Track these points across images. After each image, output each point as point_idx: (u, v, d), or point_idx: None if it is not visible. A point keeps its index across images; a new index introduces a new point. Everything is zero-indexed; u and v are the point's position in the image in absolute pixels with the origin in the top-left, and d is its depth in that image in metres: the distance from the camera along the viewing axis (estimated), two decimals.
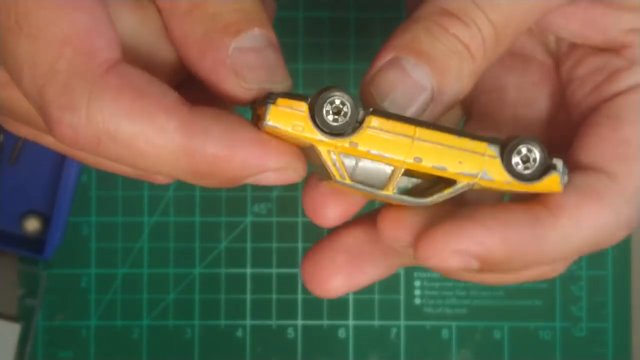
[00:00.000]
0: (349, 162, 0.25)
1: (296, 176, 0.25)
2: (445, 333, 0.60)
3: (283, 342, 0.60)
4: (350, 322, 0.60)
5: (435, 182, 0.26)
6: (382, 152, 0.24)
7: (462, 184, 0.25)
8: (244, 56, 0.24)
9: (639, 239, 0.60)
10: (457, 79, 0.26)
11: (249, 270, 0.60)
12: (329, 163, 0.25)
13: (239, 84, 0.25)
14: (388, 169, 0.25)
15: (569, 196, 0.25)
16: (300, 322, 0.60)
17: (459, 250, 0.24)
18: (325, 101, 0.24)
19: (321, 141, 0.24)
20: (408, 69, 0.25)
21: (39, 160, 0.59)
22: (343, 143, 0.24)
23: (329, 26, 0.59)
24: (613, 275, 0.60)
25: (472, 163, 0.25)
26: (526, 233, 0.25)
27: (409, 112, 0.25)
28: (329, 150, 0.24)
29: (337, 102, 0.24)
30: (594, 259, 0.60)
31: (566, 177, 0.25)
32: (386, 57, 0.26)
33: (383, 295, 0.60)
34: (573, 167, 0.27)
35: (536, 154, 0.25)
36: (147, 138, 0.23)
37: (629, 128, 0.27)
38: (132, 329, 0.59)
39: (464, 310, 0.60)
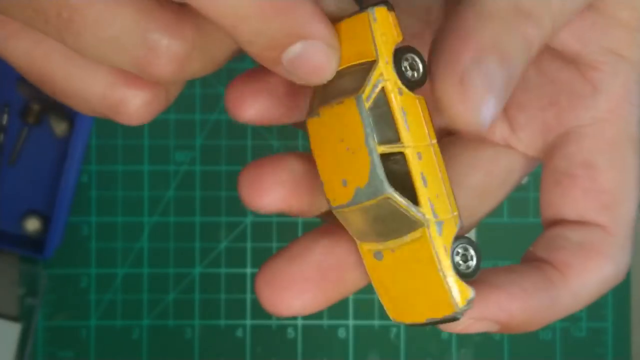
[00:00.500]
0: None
1: (336, 62, 0.24)
2: (445, 333, 0.60)
3: (283, 342, 0.60)
4: (350, 322, 0.60)
5: None
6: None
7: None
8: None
9: (639, 240, 0.60)
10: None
11: (249, 270, 0.60)
12: (370, 83, 0.24)
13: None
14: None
15: (575, 256, 0.26)
16: (300, 322, 0.60)
17: (484, 317, 0.25)
18: (406, 54, 0.24)
19: (385, 66, 0.24)
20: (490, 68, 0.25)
21: (39, 160, 0.59)
22: (399, 84, 0.24)
23: None
24: None
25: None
26: (544, 298, 0.26)
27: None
28: (382, 73, 0.24)
29: (417, 59, 0.24)
30: None
31: None
32: (468, 55, 0.24)
33: None
34: (559, 216, 0.28)
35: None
36: None
37: (604, 176, 0.27)
38: (132, 329, 0.59)
39: None
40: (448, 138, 0.30)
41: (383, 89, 0.24)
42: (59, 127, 0.59)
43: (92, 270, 0.59)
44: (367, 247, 0.26)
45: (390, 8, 0.24)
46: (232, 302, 0.59)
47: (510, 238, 0.60)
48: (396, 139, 0.24)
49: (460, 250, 0.25)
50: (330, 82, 0.24)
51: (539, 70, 0.28)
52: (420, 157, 0.24)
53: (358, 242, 0.26)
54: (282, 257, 0.27)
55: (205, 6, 0.22)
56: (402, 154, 0.24)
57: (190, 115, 0.60)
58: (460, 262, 0.25)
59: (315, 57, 0.23)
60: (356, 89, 0.24)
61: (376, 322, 0.60)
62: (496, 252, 0.60)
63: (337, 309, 0.60)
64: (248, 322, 0.60)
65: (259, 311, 0.60)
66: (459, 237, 0.25)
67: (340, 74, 0.24)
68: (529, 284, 0.26)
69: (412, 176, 0.24)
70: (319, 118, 0.25)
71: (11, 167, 0.59)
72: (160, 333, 0.59)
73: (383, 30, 0.24)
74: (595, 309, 0.60)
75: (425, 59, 0.24)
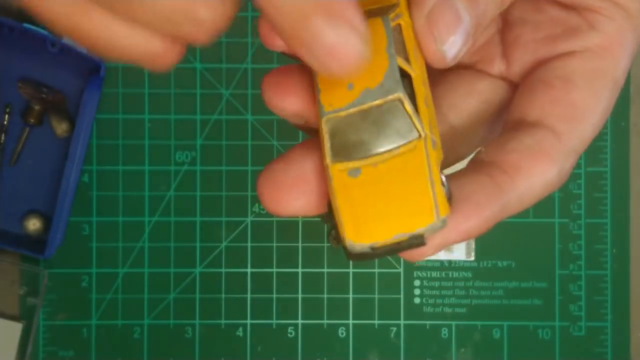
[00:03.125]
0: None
1: (362, 51, 0.22)
2: (444, 332, 0.60)
3: (283, 341, 0.60)
4: (350, 322, 0.60)
5: None
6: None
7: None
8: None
9: (639, 240, 0.60)
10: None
11: (249, 270, 0.60)
12: (394, 13, 0.26)
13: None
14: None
15: (524, 158, 0.27)
16: (300, 321, 0.60)
17: (447, 243, 0.27)
18: None
19: (404, 7, 0.26)
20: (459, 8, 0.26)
21: (40, 160, 0.59)
22: (411, 24, 0.26)
23: None
24: (612, 275, 0.60)
25: None
26: (495, 207, 0.27)
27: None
28: (402, 12, 0.26)
29: None
30: (593, 259, 0.60)
31: None
32: None
33: (383, 295, 0.60)
34: (520, 118, 0.29)
35: None
36: None
37: (578, 92, 0.28)
38: (133, 329, 0.59)
39: (463, 309, 0.60)
40: (444, 70, 0.31)
41: (399, 25, 0.26)
42: (60, 127, 0.59)
43: (93, 270, 0.59)
44: (341, 167, 0.26)
45: None
46: (232, 301, 0.60)
47: (510, 238, 0.60)
48: (407, 64, 0.26)
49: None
50: None
51: (538, 11, 0.30)
52: (424, 85, 0.26)
53: (330, 162, 0.26)
54: (283, 160, 0.28)
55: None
56: (407, 79, 0.25)
57: (190, 115, 0.60)
58: (445, 183, 0.26)
59: (343, 43, 0.22)
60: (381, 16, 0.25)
61: (376, 322, 0.60)
62: (496, 252, 0.60)
63: (337, 309, 0.60)
64: (248, 321, 0.60)
65: (259, 311, 0.60)
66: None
67: (366, 13, 0.25)
68: (481, 197, 0.27)
69: (417, 96, 0.25)
70: None
71: (12, 167, 0.59)
72: (161, 332, 0.59)
73: None
74: (594, 308, 0.60)
75: None
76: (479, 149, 0.29)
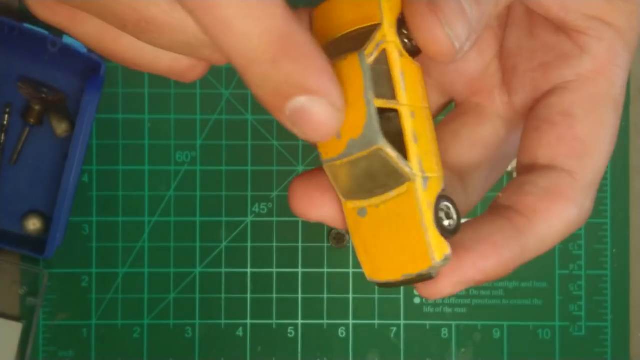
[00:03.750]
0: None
1: (336, 123, 0.24)
2: (444, 332, 0.60)
3: (283, 341, 0.60)
4: (350, 322, 0.60)
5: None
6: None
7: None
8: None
9: (638, 240, 0.60)
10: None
11: (249, 270, 0.60)
12: (374, 41, 0.25)
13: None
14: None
15: (541, 200, 0.27)
16: (300, 321, 0.60)
17: (462, 281, 0.27)
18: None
19: (389, 29, 0.25)
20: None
21: (40, 160, 0.59)
22: (399, 47, 0.25)
23: None
24: (612, 275, 0.60)
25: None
26: (514, 248, 0.27)
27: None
28: (385, 35, 0.25)
29: None
30: (593, 259, 0.60)
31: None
32: None
33: (383, 295, 0.60)
34: (532, 161, 0.29)
35: None
36: (256, 4, 0.22)
37: (581, 126, 0.28)
38: (133, 329, 0.59)
39: (463, 309, 0.60)
40: (448, 116, 0.31)
41: (385, 50, 0.25)
42: (60, 127, 0.59)
43: (93, 270, 0.59)
44: (351, 205, 0.26)
45: None
46: (232, 301, 0.60)
47: None
48: (392, 96, 0.25)
49: (443, 208, 0.26)
50: (337, 41, 0.26)
51: (532, 36, 0.30)
52: (413, 116, 0.25)
53: (343, 200, 0.26)
54: (320, 169, 0.28)
55: (221, 44, 0.23)
56: (396, 112, 0.25)
57: (190, 115, 0.60)
58: (444, 217, 0.25)
59: (317, 114, 0.23)
60: (359, 48, 0.25)
61: (376, 322, 0.60)
62: None
63: (337, 309, 0.60)
64: (248, 321, 0.60)
65: (259, 311, 0.60)
66: (442, 196, 0.26)
67: (346, 37, 0.25)
68: (499, 238, 0.27)
69: (404, 132, 0.25)
70: None
71: (12, 167, 0.59)
72: (161, 332, 0.59)
73: None
74: (594, 308, 0.60)
75: None
76: (498, 194, 0.29)
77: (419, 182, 0.25)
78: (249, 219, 0.60)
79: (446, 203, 0.26)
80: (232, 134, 0.60)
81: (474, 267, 0.26)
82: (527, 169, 0.29)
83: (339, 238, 0.59)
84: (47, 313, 0.59)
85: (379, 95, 0.25)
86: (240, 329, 0.60)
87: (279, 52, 0.23)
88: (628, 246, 0.60)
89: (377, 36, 0.25)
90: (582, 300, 0.60)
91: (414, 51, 0.25)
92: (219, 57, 0.26)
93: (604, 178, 0.60)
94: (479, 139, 0.31)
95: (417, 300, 0.60)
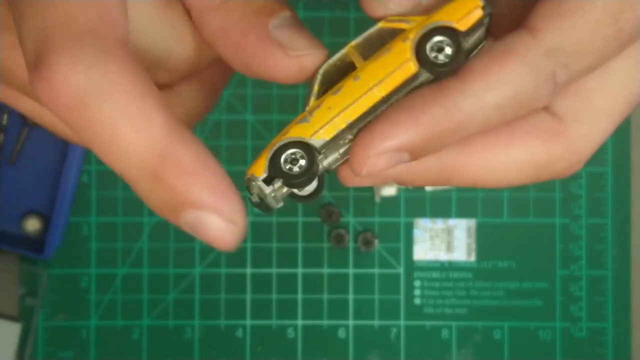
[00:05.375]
0: None
1: (233, 237, 0.24)
2: (445, 333, 0.60)
3: (283, 342, 0.60)
4: (350, 322, 0.60)
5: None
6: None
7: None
8: (283, 30, 0.26)
9: (639, 239, 0.60)
10: None
11: (249, 270, 0.60)
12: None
13: (286, 54, 0.25)
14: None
15: (480, 60, 0.25)
16: (300, 322, 0.60)
17: (379, 152, 0.25)
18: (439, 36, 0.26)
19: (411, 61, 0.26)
20: None
21: (39, 160, 0.59)
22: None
23: (329, 26, 0.59)
24: (613, 276, 0.60)
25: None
26: (433, 108, 0.25)
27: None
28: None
29: (448, 45, 0.26)
30: (594, 260, 0.60)
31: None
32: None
33: (383, 295, 0.60)
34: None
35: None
36: (132, 122, 0.22)
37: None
38: (132, 329, 0.59)
39: (463, 310, 0.60)
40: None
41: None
42: None
43: (92, 271, 0.59)
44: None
45: (487, 12, 0.25)
46: (232, 302, 0.59)
47: (510, 238, 0.60)
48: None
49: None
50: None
51: None
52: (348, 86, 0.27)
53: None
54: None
55: (103, 159, 0.23)
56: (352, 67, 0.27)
57: None
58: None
59: (211, 228, 0.24)
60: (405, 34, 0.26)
61: (376, 322, 0.60)
62: (497, 252, 0.60)
63: (337, 309, 0.60)
64: (248, 322, 0.60)
65: (259, 311, 0.60)
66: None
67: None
68: (417, 101, 0.25)
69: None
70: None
71: (11, 167, 0.59)
72: (161, 333, 0.59)
73: (457, 11, 0.25)
74: (595, 309, 0.60)
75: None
76: None
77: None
78: (249, 219, 0.60)
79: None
80: (232, 134, 0.60)
81: (384, 135, 0.25)
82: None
83: (339, 238, 0.59)
84: (46, 313, 0.59)
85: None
86: (240, 329, 0.59)
87: (160, 170, 0.22)
88: (629, 246, 0.60)
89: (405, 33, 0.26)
90: (582, 300, 0.60)
91: (437, 67, 0.25)
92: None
93: (605, 178, 0.60)
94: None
95: (417, 301, 0.60)
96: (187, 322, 0.59)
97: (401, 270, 0.60)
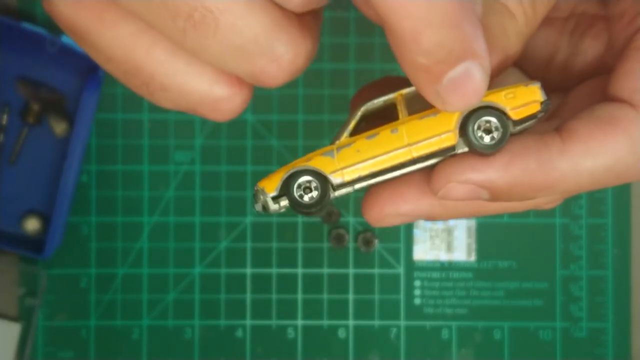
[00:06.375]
0: None
1: (485, 88, 0.24)
2: (445, 333, 0.60)
3: (283, 342, 0.60)
4: (350, 322, 0.60)
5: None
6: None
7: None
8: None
9: (639, 239, 0.60)
10: (502, 35, 0.26)
11: (249, 270, 0.60)
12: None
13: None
14: None
15: (584, 123, 0.25)
16: (300, 322, 0.60)
17: (464, 180, 0.25)
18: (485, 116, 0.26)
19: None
20: None
21: (39, 160, 0.59)
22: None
23: (329, 26, 0.59)
24: (613, 276, 0.60)
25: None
26: (530, 160, 0.25)
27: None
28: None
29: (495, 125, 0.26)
30: (594, 259, 0.60)
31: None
32: None
33: (383, 295, 0.60)
34: (604, 95, 0.27)
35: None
36: None
37: None
38: (132, 329, 0.59)
39: (464, 310, 0.60)
40: None
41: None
42: (59, 127, 0.59)
43: (92, 270, 0.59)
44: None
45: (544, 108, 0.26)
46: (232, 302, 0.59)
47: (511, 238, 0.60)
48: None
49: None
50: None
51: (620, 1, 0.28)
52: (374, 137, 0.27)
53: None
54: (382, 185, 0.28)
55: (391, 13, 0.21)
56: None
57: (190, 115, 0.59)
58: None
59: (477, 79, 0.23)
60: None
61: (376, 322, 0.60)
62: (497, 252, 0.60)
63: (337, 309, 0.60)
64: (248, 322, 0.59)
65: (259, 311, 0.59)
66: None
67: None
68: (517, 147, 0.25)
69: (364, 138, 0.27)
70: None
71: (11, 167, 0.59)
72: (160, 333, 0.59)
73: (514, 98, 0.26)
74: (595, 309, 0.60)
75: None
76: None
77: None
78: (249, 219, 0.60)
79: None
80: (232, 134, 0.60)
81: (473, 168, 0.25)
82: (597, 101, 0.27)
83: (339, 238, 0.59)
84: (45, 314, 0.59)
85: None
86: (240, 329, 0.59)
87: (460, 17, 0.22)
88: (629, 246, 0.60)
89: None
90: (583, 300, 0.60)
91: (481, 148, 0.26)
92: (275, 69, 0.23)
93: None
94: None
95: (417, 301, 0.60)
96: (187, 322, 0.59)
97: (401, 270, 0.60)
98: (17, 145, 0.59)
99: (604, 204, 0.60)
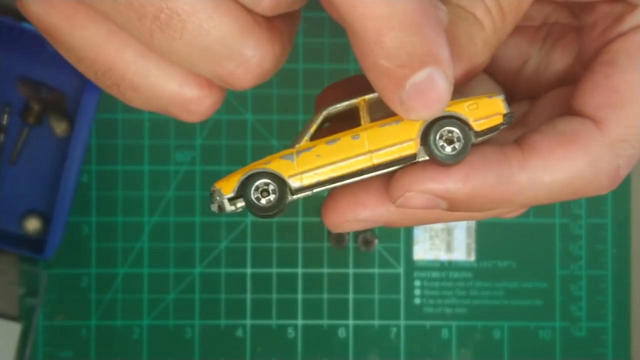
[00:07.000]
0: None
1: (449, 94, 0.24)
2: (445, 333, 0.60)
3: (283, 341, 0.60)
4: (350, 322, 0.60)
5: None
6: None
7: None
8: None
9: (639, 240, 0.60)
10: (469, 43, 0.26)
11: (249, 270, 0.60)
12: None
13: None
14: None
15: (546, 138, 0.25)
16: (300, 321, 0.60)
17: (423, 190, 0.25)
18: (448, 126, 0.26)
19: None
20: None
21: (40, 160, 0.59)
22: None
23: (329, 26, 0.59)
24: (613, 275, 0.60)
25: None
26: (489, 174, 0.25)
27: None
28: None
29: (457, 135, 0.26)
30: (593, 259, 0.60)
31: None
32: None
33: (383, 295, 0.60)
34: (568, 109, 0.27)
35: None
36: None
37: (620, 75, 0.26)
38: (132, 329, 0.59)
39: (463, 310, 0.60)
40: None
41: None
42: (59, 127, 0.59)
43: (92, 270, 0.59)
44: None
45: (507, 121, 0.26)
46: (232, 302, 0.59)
47: (510, 238, 0.60)
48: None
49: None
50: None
51: (591, 12, 0.29)
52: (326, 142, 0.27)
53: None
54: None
55: (353, 14, 0.21)
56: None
57: None
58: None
59: (439, 86, 0.23)
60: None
61: (376, 322, 0.60)
62: (497, 252, 0.60)
63: (337, 310, 0.60)
64: (248, 322, 0.60)
65: (259, 311, 0.60)
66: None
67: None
68: (477, 160, 0.25)
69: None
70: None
71: (11, 167, 0.59)
72: (161, 333, 0.59)
73: (478, 110, 0.26)
74: (595, 309, 0.60)
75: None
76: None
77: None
78: (249, 219, 0.60)
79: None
80: (232, 134, 0.60)
81: (434, 179, 0.25)
82: (560, 114, 0.27)
83: (339, 238, 0.59)
84: (46, 313, 0.59)
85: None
86: (240, 329, 0.59)
87: (422, 21, 0.22)
88: (629, 246, 0.60)
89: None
90: (582, 300, 0.60)
91: (444, 157, 0.26)
92: (243, 73, 0.23)
93: None
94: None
95: (417, 301, 0.60)
96: (187, 322, 0.59)
97: (401, 270, 0.60)
98: (17, 145, 0.59)
99: (604, 203, 0.60)
